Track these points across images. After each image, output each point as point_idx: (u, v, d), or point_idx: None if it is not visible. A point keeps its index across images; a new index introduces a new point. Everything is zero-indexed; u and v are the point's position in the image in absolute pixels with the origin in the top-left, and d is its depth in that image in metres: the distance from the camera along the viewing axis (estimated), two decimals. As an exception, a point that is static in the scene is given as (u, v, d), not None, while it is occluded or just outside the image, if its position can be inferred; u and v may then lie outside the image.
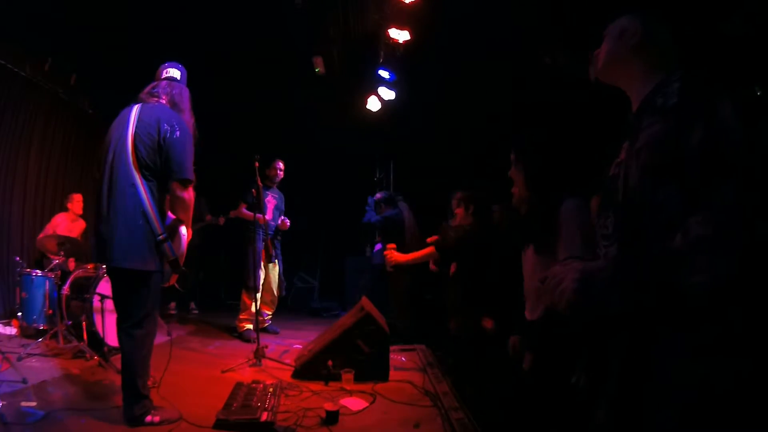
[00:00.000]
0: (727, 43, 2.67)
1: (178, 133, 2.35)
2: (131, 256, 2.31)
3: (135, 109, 2.44)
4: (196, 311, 6.46)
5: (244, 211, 4.96)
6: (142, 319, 2.42)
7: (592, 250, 1.86)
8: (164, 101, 2.50)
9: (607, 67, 1.40)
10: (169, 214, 2.52)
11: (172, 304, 6.03)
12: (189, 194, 2.39)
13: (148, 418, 2.36)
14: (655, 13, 1.36)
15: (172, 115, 2.43)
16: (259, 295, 4.58)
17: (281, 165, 5.13)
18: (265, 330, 4.99)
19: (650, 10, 1.36)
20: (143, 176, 2.33)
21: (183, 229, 2.45)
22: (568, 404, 2.14)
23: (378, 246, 5.35)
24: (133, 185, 2.31)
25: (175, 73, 2.62)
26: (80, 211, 5.22)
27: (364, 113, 6.28)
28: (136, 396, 2.37)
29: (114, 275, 2.47)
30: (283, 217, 5.10)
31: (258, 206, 4.48)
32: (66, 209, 5.21)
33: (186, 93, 2.59)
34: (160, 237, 2.35)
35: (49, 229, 4.96)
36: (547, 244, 2.03)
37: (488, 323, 2.80)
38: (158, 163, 2.35)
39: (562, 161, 2.14)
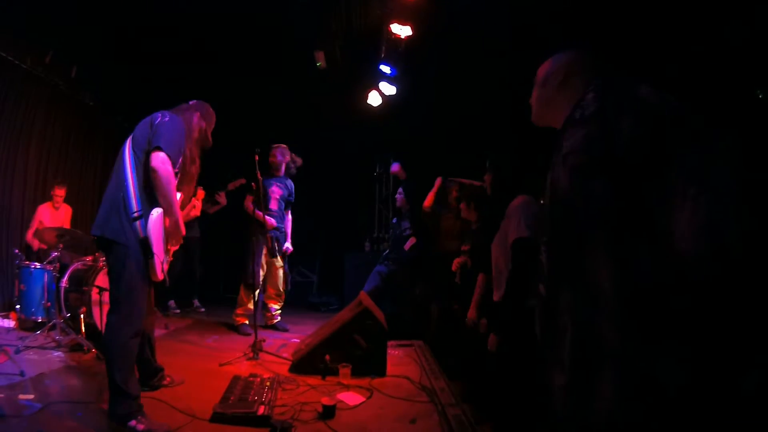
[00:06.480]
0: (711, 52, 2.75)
1: (168, 119, 2.51)
2: (108, 225, 2.38)
3: None
4: (203, 309, 6.10)
5: (251, 206, 4.69)
6: (113, 302, 2.40)
7: (535, 234, 2.47)
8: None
9: (539, 113, 1.47)
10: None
11: (171, 303, 5.78)
12: (163, 166, 2.34)
13: (132, 423, 2.24)
14: (583, 46, 1.41)
15: (168, 113, 2.58)
16: (258, 292, 4.54)
17: (279, 152, 4.85)
18: (274, 327, 4.94)
19: (578, 44, 1.43)
20: (133, 151, 2.46)
21: (155, 212, 2.39)
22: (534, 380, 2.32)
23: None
24: (122, 160, 2.45)
25: (192, 101, 2.85)
26: (61, 200, 5.14)
27: (365, 108, 6.27)
28: (117, 392, 2.28)
29: (102, 250, 2.56)
30: (286, 245, 4.92)
31: (257, 201, 4.44)
32: (50, 198, 5.17)
33: (195, 115, 2.74)
34: (135, 213, 2.37)
35: (35, 222, 4.92)
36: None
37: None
38: (148, 140, 2.44)
39: (520, 175, 2.79)
